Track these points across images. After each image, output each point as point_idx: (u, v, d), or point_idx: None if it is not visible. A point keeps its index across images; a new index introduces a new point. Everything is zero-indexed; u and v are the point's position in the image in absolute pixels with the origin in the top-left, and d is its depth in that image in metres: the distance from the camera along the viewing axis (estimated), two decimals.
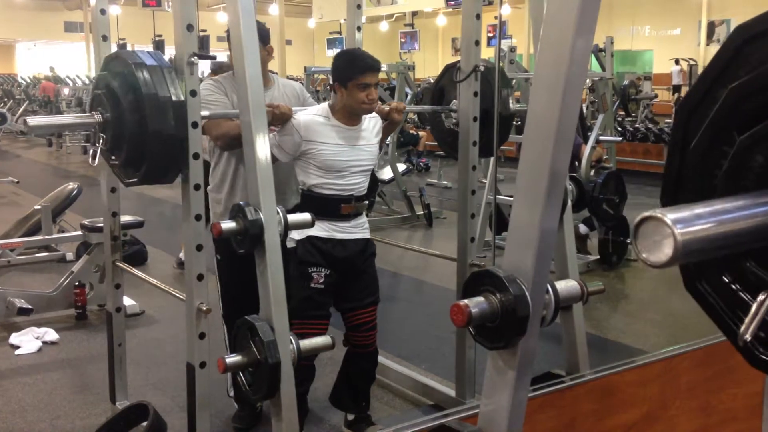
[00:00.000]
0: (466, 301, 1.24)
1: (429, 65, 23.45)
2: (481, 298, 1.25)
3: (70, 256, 5.44)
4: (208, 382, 2.34)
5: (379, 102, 2.77)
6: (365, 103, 2.61)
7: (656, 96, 12.17)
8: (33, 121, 2.11)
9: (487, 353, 1.32)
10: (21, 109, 16.66)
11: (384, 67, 8.46)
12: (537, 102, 1.21)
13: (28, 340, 3.95)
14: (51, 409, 3.23)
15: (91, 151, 1.92)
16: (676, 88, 16.54)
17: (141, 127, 2.04)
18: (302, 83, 8.06)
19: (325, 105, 2.74)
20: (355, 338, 2.85)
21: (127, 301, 4.35)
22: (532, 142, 1.23)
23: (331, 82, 2.74)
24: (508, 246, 1.27)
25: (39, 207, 5.53)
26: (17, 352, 3.87)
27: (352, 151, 2.68)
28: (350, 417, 2.99)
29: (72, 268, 4.50)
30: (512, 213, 1.26)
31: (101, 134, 2.14)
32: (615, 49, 5.68)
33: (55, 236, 5.42)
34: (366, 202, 2.82)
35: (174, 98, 2.04)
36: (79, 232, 4.85)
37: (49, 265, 5.43)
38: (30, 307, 4.19)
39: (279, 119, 2.60)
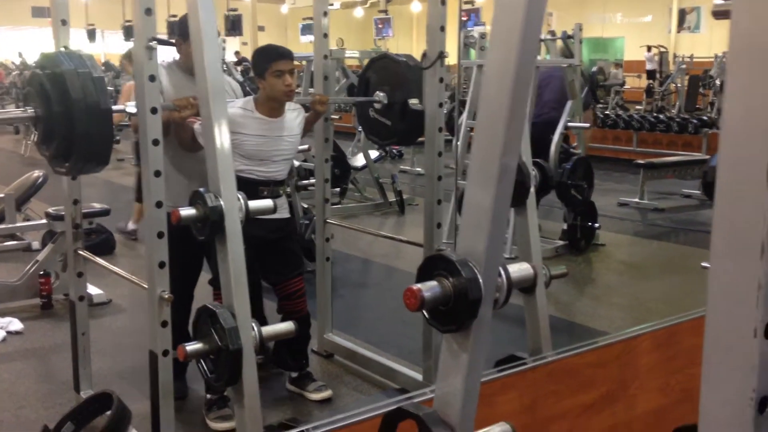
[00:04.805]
0: (419, 285, 1.25)
1: (403, 52, 23.36)
2: (434, 282, 1.26)
3: (36, 244, 5.36)
4: (171, 370, 2.34)
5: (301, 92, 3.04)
6: (283, 89, 2.83)
7: (624, 83, 12.29)
8: None
9: (442, 337, 1.34)
10: None
11: (356, 54, 8.43)
12: (489, 86, 1.22)
13: None
14: (15, 398, 3.20)
15: (24, 143, 1.98)
16: (651, 74, 16.69)
17: (69, 128, 2.14)
18: None
19: (249, 98, 2.95)
20: (288, 306, 3.14)
21: (94, 290, 4.31)
22: (485, 126, 1.24)
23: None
24: (461, 230, 1.28)
25: (2, 195, 5.43)
26: None
27: (274, 142, 2.92)
28: (293, 375, 3.25)
29: (37, 257, 4.44)
30: (465, 197, 1.27)
31: (34, 128, 2.26)
32: (586, 37, 5.73)
33: (18, 225, 5.33)
34: (284, 185, 3.12)
35: (102, 105, 2.14)
36: (44, 221, 4.77)
37: (15, 254, 5.34)
38: None
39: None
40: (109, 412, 2.64)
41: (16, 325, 3.99)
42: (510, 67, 1.17)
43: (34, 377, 3.45)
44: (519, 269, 1.38)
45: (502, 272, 1.33)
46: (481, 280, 1.24)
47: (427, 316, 1.32)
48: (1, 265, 5.15)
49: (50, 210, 4.49)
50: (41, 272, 4.31)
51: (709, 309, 0.92)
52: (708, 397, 0.93)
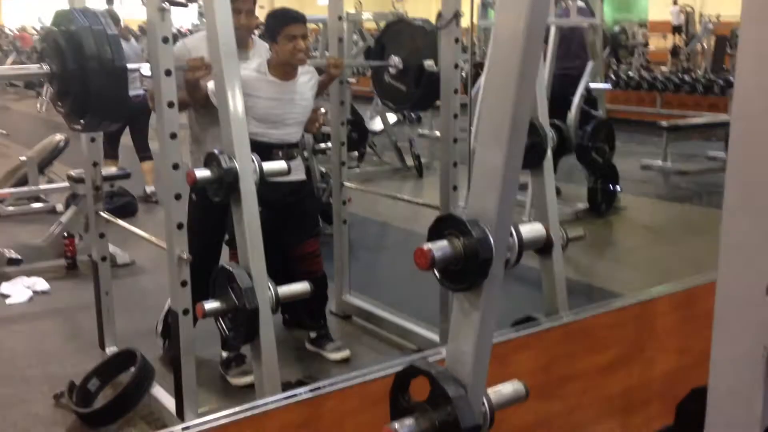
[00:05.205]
0: (429, 244, 1.25)
1: (421, 14, 22.95)
2: (444, 242, 1.26)
3: (60, 207, 5.44)
4: (191, 329, 2.38)
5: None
6: (295, 52, 2.82)
7: (647, 44, 12.03)
8: None
9: (453, 296, 1.35)
10: (9, 61, 16.38)
11: (369, 15, 8.30)
12: (498, 45, 1.21)
13: (18, 290, 3.99)
14: (42, 356, 3.29)
15: (40, 101, 2.00)
16: (677, 29, 16.21)
17: (83, 84, 2.13)
18: None
19: (263, 61, 2.94)
20: (304, 267, 3.14)
21: (118, 251, 4.38)
22: (495, 84, 1.22)
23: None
24: (471, 190, 1.28)
25: (25, 158, 5.51)
26: (8, 301, 3.91)
27: (286, 105, 2.92)
28: (312, 335, 3.30)
29: (60, 219, 4.52)
30: (475, 157, 1.27)
31: (49, 84, 2.26)
32: None
33: (41, 187, 5.41)
34: (298, 147, 3.12)
35: (116, 63, 2.12)
36: (67, 183, 4.84)
37: (40, 217, 5.41)
38: (19, 257, 4.22)
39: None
40: (133, 369, 2.71)
41: (42, 284, 4.08)
42: (521, 21, 1.15)
43: (61, 335, 3.54)
44: (531, 229, 1.38)
45: (514, 232, 1.33)
46: (491, 240, 1.24)
47: (438, 275, 1.33)
48: (27, 226, 5.24)
49: (72, 172, 4.54)
50: (65, 234, 4.39)
51: (721, 265, 0.92)
52: (719, 352, 0.93)
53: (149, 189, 6.11)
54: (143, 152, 6.09)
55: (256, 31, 3.42)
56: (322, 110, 3.24)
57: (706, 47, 11.59)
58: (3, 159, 7.81)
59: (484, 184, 1.26)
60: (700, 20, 14.01)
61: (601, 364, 2.27)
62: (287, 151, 2.98)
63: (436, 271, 1.32)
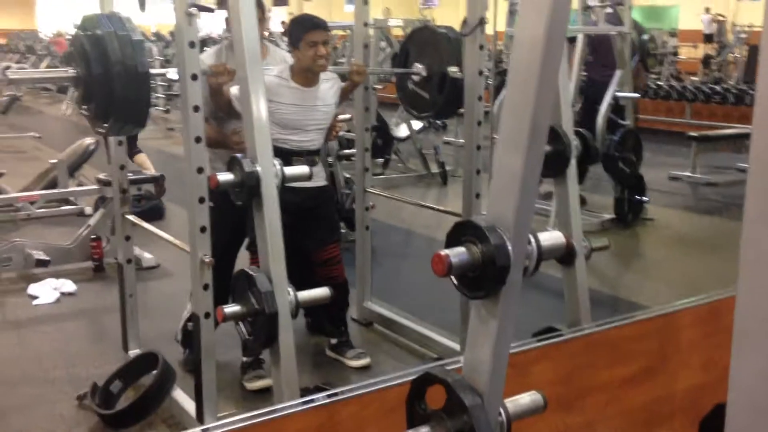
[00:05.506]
0: (446, 251, 1.24)
1: (448, 22, 22.94)
2: (462, 248, 1.25)
3: (88, 209, 5.52)
4: (213, 332, 2.39)
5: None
6: (316, 59, 2.85)
7: (676, 53, 11.87)
8: (13, 74, 2.26)
9: (471, 304, 1.34)
10: (43, 65, 16.72)
11: (399, 22, 8.32)
12: (519, 51, 1.20)
13: (46, 291, 4.06)
14: (67, 357, 3.34)
15: (65, 102, 2.03)
16: (708, 38, 15.96)
17: (108, 90, 2.17)
18: None
19: (285, 67, 2.97)
20: (324, 272, 3.14)
21: (145, 254, 4.44)
22: (515, 91, 1.21)
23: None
24: (490, 197, 1.27)
25: (55, 161, 5.60)
26: (35, 302, 3.98)
27: (307, 112, 2.94)
28: (333, 341, 3.29)
29: (89, 222, 4.59)
30: (494, 163, 1.26)
31: (75, 88, 2.32)
32: (639, 4, 5.52)
33: (70, 190, 5.50)
34: (318, 155, 3.12)
35: (140, 68, 2.15)
36: (95, 186, 4.92)
37: (69, 219, 5.50)
38: (47, 258, 4.29)
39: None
40: (154, 372, 2.74)
41: (69, 286, 4.14)
42: (541, 27, 1.14)
43: (86, 337, 3.59)
44: (550, 237, 1.36)
45: (533, 240, 1.31)
46: (509, 247, 1.23)
47: (455, 282, 1.32)
48: (56, 229, 5.33)
49: (101, 176, 4.61)
50: (93, 236, 4.46)
51: (741, 277, 0.90)
52: (738, 367, 0.90)
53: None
54: (131, 149, 6.11)
55: (285, 38, 3.45)
56: (347, 116, 3.24)
57: (738, 57, 11.41)
58: (35, 162, 7.97)
59: (502, 190, 1.25)
60: (732, 29, 13.81)
61: (623, 377, 2.24)
62: (307, 158, 2.98)
63: (453, 278, 1.31)
